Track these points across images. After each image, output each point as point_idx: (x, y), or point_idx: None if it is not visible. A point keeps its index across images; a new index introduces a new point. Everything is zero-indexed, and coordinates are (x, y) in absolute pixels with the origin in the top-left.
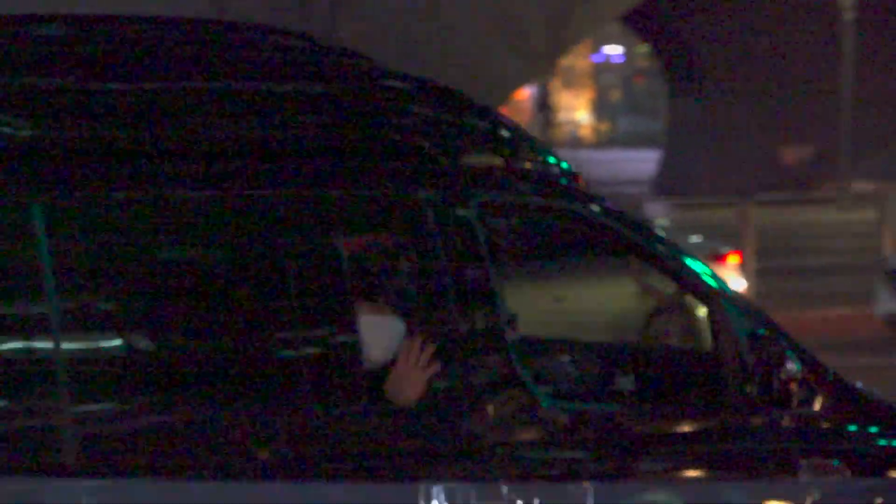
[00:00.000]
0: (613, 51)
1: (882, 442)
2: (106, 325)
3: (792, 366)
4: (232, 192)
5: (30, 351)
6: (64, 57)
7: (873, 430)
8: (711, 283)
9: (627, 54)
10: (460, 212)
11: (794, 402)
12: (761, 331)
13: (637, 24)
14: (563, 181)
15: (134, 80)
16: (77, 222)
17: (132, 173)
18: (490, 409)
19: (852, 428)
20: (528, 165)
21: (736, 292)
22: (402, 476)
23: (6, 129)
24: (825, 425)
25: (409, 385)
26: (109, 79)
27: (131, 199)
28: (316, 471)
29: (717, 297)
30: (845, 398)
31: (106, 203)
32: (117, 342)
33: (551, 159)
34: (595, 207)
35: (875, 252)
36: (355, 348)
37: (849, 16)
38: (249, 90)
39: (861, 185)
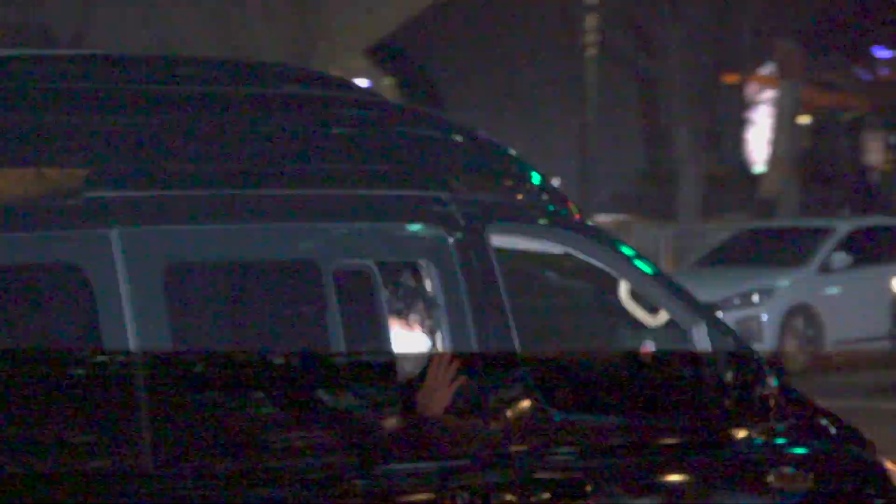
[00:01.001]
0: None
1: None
2: (185, 344)
3: (772, 381)
4: (292, 221)
5: (113, 372)
6: (130, 97)
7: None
8: (697, 307)
9: (374, 88)
10: (478, 241)
11: (773, 414)
12: (742, 351)
13: (381, 58)
14: (555, 207)
15: (197, 116)
16: (153, 249)
17: (202, 202)
18: (508, 418)
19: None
20: (529, 195)
21: (719, 317)
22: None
23: (70, 168)
24: (788, 438)
25: (437, 397)
26: (175, 116)
27: (202, 227)
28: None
29: (702, 320)
30: (808, 413)
31: (178, 230)
32: (198, 360)
33: (545, 185)
34: (593, 235)
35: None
36: (392, 361)
37: (590, 52)
38: (304, 131)
39: (600, 219)
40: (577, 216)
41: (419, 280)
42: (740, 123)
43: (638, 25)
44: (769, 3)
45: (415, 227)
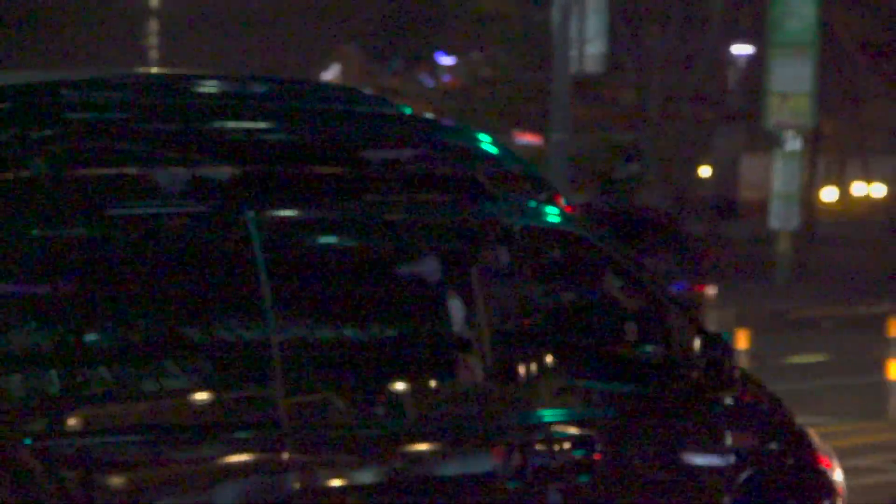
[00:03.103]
0: None
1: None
2: (311, 316)
3: (736, 358)
4: (382, 212)
5: (248, 340)
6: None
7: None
8: (669, 294)
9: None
10: (507, 236)
11: (737, 384)
12: (708, 332)
13: None
14: (557, 205)
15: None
16: (284, 230)
17: (319, 194)
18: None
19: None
20: (538, 193)
21: (684, 303)
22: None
23: (214, 165)
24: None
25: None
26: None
27: (321, 214)
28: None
29: (673, 305)
30: (752, 384)
31: (305, 215)
32: (322, 332)
33: (544, 183)
34: (586, 229)
35: None
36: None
37: (153, 54)
38: (387, 142)
39: None
40: (567, 209)
41: (471, 268)
42: None
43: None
44: (333, 8)
45: (465, 226)
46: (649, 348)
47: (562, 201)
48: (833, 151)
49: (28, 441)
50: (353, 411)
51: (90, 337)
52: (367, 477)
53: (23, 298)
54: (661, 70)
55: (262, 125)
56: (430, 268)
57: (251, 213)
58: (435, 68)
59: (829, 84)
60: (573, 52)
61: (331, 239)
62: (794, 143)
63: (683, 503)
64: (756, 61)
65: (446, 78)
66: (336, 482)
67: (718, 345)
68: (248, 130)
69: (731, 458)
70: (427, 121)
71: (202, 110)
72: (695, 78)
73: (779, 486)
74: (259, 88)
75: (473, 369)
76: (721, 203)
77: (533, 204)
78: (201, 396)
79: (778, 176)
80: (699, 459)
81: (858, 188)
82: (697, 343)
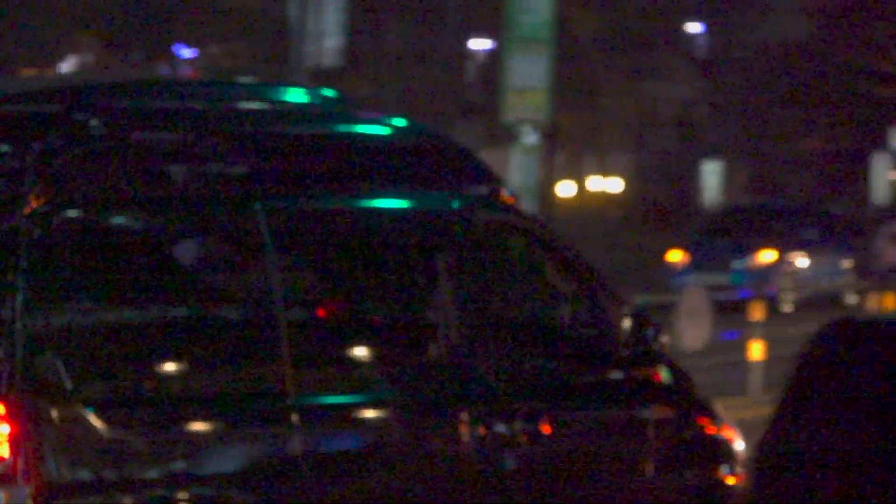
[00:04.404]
0: None
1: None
2: (315, 301)
3: (663, 337)
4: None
5: (258, 325)
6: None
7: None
8: (602, 279)
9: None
10: (475, 226)
11: (662, 360)
12: (640, 314)
13: None
14: (502, 199)
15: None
16: (291, 220)
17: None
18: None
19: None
20: (488, 186)
21: (614, 287)
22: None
23: (226, 162)
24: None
25: None
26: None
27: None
28: None
29: (605, 289)
30: (666, 359)
31: (308, 207)
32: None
33: (492, 177)
34: (528, 219)
35: None
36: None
37: None
38: (386, 148)
39: None
40: (510, 200)
41: (430, 257)
42: None
43: None
44: None
45: (432, 217)
46: (584, 328)
47: (505, 192)
48: (570, 146)
49: (91, 409)
50: (352, 383)
51: (130, 316)
52: (361, 442)
53: (87, 281)
54: (399, 64)
55: (266, 125)
56: (396, 254)
57: (259, 204)
58: (174, 61)
59: (565, 79)
60: (311, 46)
61: (323, 226)
62: (531, 138)
63: (607, 468)
64: (494, 56)
65: (186, 71)
66: (336, 447)
67: (647, 326)
68: (256, 129)
69: (645, 427)
70: (377, 117)
71: (216, 111)
72: (433, 72)
73: (685, 451)
74: (254, 92)
75: (442, 347)
76: None
77: (477, 195)
78: (219, 370)
79: (516, 170)
80: (617, 428)
81: (595, 183)
82: (627, 324)
